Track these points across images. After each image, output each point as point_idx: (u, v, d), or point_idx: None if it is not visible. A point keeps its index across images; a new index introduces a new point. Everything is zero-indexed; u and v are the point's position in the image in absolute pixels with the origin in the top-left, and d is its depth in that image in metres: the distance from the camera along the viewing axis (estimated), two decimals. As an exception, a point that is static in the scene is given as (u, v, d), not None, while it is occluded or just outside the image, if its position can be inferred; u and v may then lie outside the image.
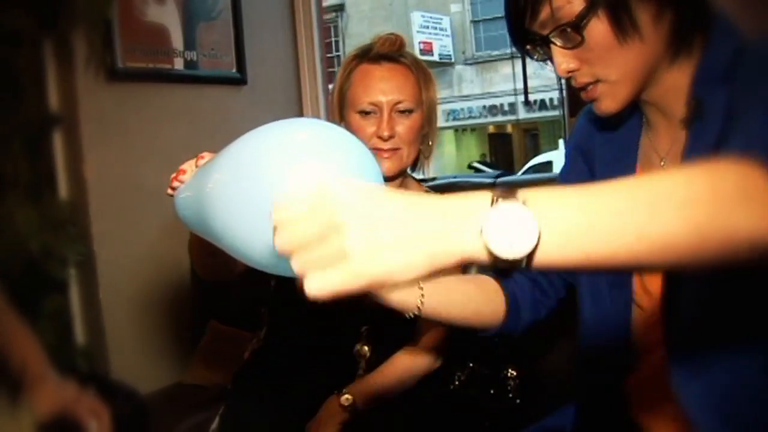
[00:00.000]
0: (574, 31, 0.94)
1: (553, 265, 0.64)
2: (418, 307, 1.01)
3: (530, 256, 0.62)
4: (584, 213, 0.63)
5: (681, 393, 0.94)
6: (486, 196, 0.64)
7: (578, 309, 1.16)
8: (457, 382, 1.66)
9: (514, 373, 1.64)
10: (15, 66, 2.04)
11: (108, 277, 2.18)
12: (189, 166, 1.08)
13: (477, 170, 12.97)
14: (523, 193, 0.63)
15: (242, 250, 0.82)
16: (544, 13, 0.95)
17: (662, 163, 1.05)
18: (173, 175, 1.08)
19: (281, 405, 1.54)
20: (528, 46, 1.02)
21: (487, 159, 18.35)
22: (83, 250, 2.13)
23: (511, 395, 1.69)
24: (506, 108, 18.62)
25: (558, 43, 0.97)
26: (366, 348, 1.56)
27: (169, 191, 1.09)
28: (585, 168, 1.17)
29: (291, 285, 1.60)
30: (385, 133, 1.50)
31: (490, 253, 0.62)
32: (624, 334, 1.07)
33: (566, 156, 1.25)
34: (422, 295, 1.01)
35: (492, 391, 1.71)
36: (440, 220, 0.63)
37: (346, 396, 1.49)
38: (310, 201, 0.64)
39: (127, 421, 1.61)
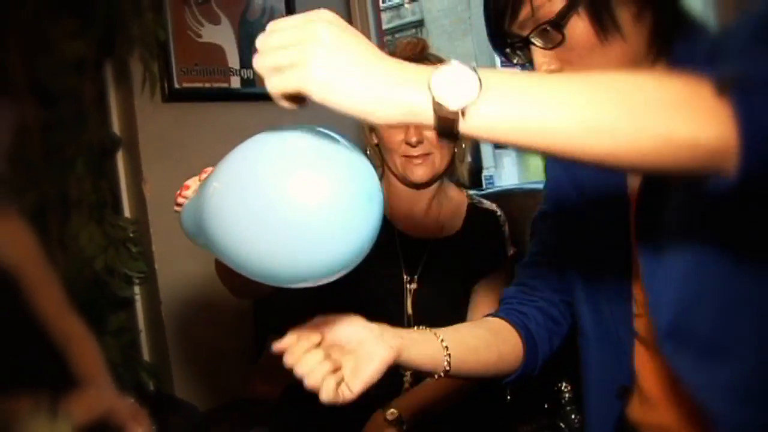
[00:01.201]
0: (554, 29, 0.92)
1: (489, 124, 0.68)
2: (446, 368, 1.02)
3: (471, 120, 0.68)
4: (527, 85, 0.69)
5: (694, 386, 0.90)
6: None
7: (578, 326, 1.14)
8: (509, 396, 1.61)
9: (569, 387, 1.57)
10: (80, 92, 2.11)
11: (169, 295, 2.22)
12: (193, 181, 1.08)
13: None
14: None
15: (238, 259, 0.81)
16: (524, 12, 0.93)
17: None
18: (177, 191, 1.08)
19: (327, 420, 1.52)
20: (507, 50, 1.00)
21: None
22: (144, 268, 2.18)
23: (566, 409, 1.63)
24: (592, 117, 18.25)
25: (538, 44, 0.95)
26: None
27: (176, 208, 1.09)
28: (572, 192, 1.13)
29: (333, 299, 1.60)
30: (413, 139, 1.46)
31: (435, 103, 0.67)
32: (626, 349, 1.05)
33: (545, 184, 1.23)
34: (448, 353, 1.02)
35: (546, 405, 1.65)
36: (395, 70, 0.70)
37: (392, 410, 1.46)
38: (290, 23, 0.71)
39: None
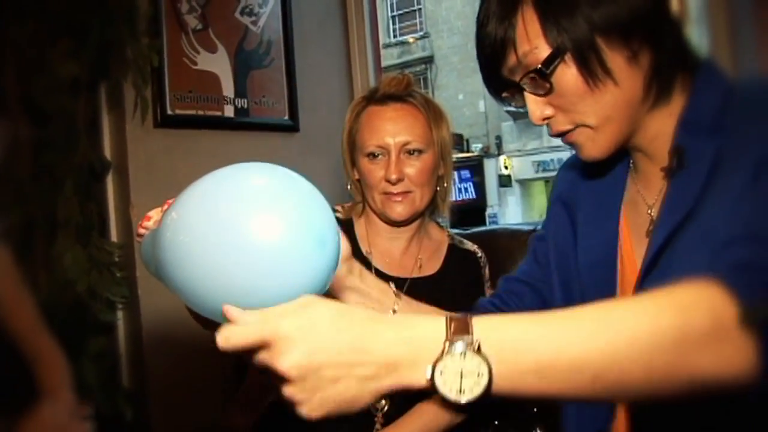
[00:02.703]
0: (541, 78, 0.89)
1: (505, 395, 0.64)
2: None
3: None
4: (539, 359, 0.64)
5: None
6: (440, 333, 0.65)
7: None
8: (484, 442, 1.58)
9: (543, 433, 1.54)
10: (73, 113, 2.11)
11: (152, 322, 2.20)
12: (155, 212, 1.08)
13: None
14: (478, 331, 0.64)
15: (187, 293, 0.80)
16: (511, 60, 0.91)
17: (649, 212, 0.98)
18: (140, 221, 1.07)
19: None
20: (504, 94, 0.97)
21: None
22: (127, 293, 2.16)
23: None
24: (597, 159, 18.33)
25: (529, 90, 0.92)
26: (383, 401, 1.50)
27: (137, 239, 1.08)
28: (567, 221, 1.11)
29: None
30: (393, 176, 1.45)
31: (437, 391, 0.63)
32: None
33: (548, 209, 1.20)
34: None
35: (521, 453, 1.61)
36: (386, 363, 0.65)
37: (362, 451, 1.43)
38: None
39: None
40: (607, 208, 1.04)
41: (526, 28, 0.89)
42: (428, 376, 0.64)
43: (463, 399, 0.63)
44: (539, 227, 1.23)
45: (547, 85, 0.89)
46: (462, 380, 0.63)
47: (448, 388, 0.63)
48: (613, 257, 1.02)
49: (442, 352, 0.64)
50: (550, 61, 0.87)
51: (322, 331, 0.66)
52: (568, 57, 0.87)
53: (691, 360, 0.63)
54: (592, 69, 0.86)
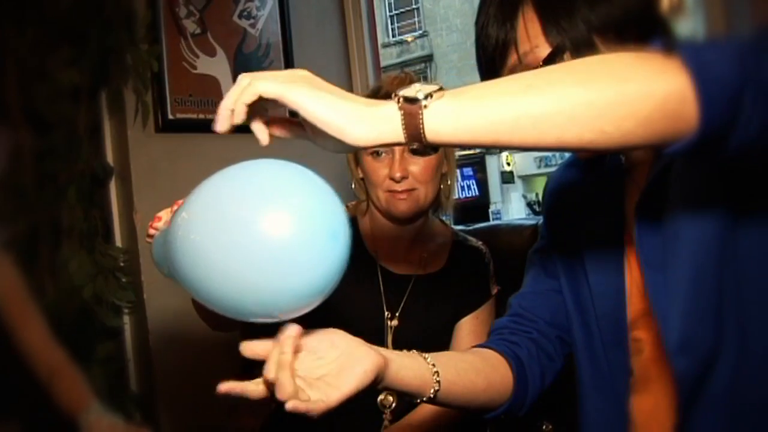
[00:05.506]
0: None
1: (455, 120, 0.71)
2: (435, 389, 0.98)
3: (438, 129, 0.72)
4: (488, 83, 0.73)
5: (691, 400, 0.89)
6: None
7: (576, 372, 1.11)
8: (490, 435, 1.59)
9: (550, 426, 1.55)
10: (74, 120, 2.12)
11: (158, 325, 2.21)
12: (165, 213, 1.09)
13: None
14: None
15: (201, 291, 0.80)
16: (512, 59, 0.94)
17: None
18: (150, 222, 1.08)
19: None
20: None
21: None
22: (133, 297, 2.17)
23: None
24: (599, 153, 18.30)
25: None
26: (390, 398, 1.51)
27: (147, 239, 1.09)
28: (567, 224, 1.12)
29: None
30: (398, 175, 1.45)
31: (402, 106, 0.73)
32: (622, 396, 1.02)
33: (543, 220, 1.22)
34: (436, 371, 0.98)
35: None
36: (370, 101, 0.77)
37: (370, 447, 1.44)
38: None
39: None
40: (609, 204, 1.05)
41: (527, 29, 0.92)
42: (399, 93, 0.74)
43: (420, 95, 0.72)
44: (540, 221, 1.23)
45: None
46: (419, 89, 0.72)
47: (407, 93, 0.73)
48: (620, 250, 1.03)
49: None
50: (550, 60, 0.90)
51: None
52: (567, 55, 0.90)
53: (620, 79, 0.67)
54: None
